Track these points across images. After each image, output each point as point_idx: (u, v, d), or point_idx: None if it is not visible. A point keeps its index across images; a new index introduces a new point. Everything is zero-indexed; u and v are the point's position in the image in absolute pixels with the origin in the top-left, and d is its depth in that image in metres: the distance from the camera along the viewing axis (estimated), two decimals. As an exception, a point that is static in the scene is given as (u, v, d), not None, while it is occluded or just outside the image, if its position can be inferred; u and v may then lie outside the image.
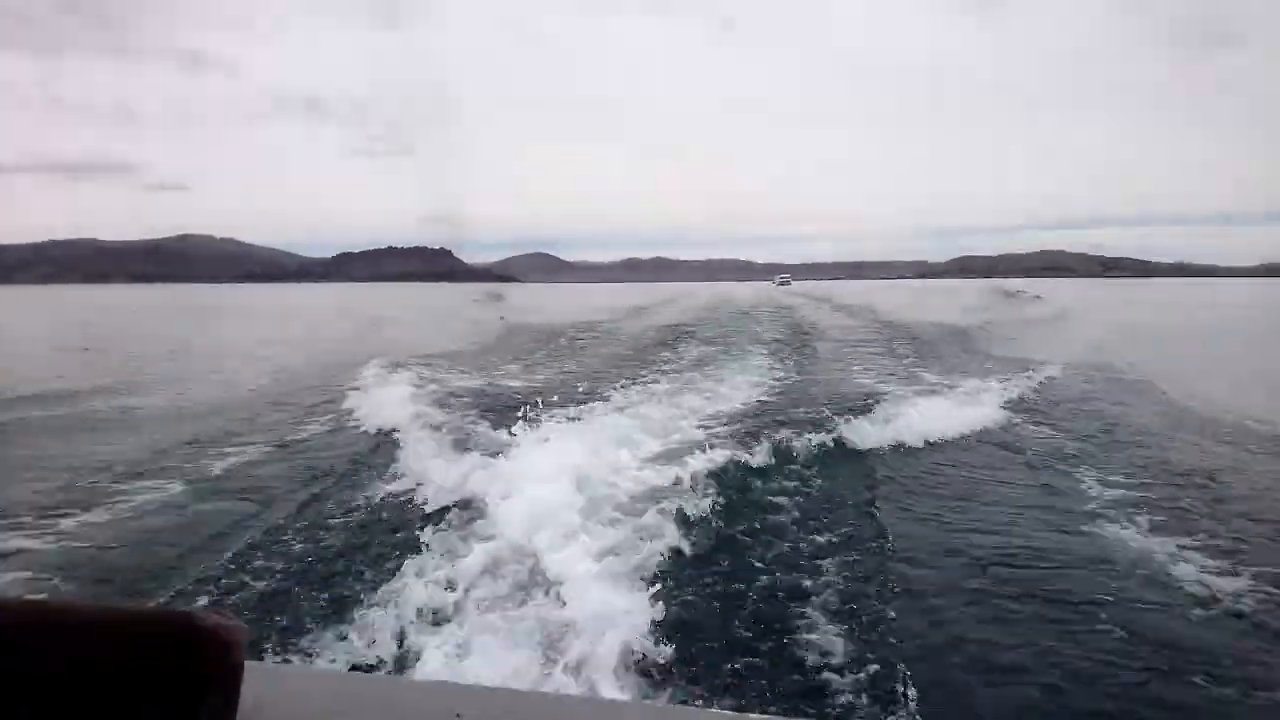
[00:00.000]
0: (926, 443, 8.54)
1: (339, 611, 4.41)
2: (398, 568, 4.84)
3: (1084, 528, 6.09)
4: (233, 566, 5.12)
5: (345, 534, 5.73)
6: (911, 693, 3.61)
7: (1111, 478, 7.42)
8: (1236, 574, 5.12)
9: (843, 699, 3.64)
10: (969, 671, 3.97)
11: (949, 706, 3.66)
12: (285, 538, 5.66)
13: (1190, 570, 5.18)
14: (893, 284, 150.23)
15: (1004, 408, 10.75)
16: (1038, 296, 49.15)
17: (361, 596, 4.56)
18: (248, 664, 0.89)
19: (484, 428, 8.55)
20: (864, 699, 3.63)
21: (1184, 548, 5.55)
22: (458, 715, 1.20)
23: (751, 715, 2.83)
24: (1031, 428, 9.87)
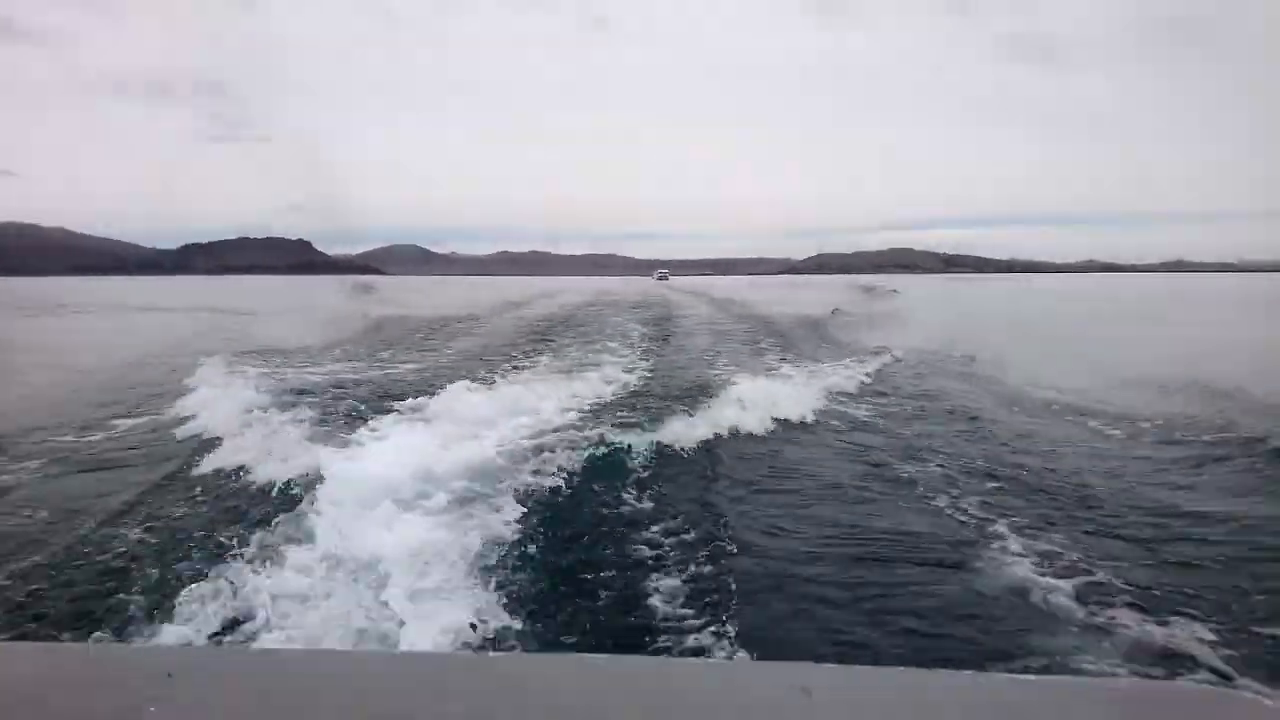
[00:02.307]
0: (769, 423, 8.86)
1: (155, 606, 4.12)
2: (218, 564, 4.56)
3: (903, 490, 6.76)
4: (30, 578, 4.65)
5: (163, 532, 5.32)
6: (733, 628, 3.92)
7: (935, 446, 8.26)
8: (1023, 521, 5.90)
9: (678, 636, 3.93)
10: (790, 608, 4.39)
11: (768, 635, 4.02)
12: (95, 536, 5.25)
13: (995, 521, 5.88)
14: (763, 279, 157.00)
15: (842, 390, 11.62)
16: (894, 291, 52.45)
17: (186, 581, 4.31)
18: None
19: (327, 422, 8.11)
20: (695, 633, 3.94)
21: (1001, 513, 6.17)
22: (169, 674, 1.24)
23: (584, 655, 2.89)
24: (865, 405, 10.74)
